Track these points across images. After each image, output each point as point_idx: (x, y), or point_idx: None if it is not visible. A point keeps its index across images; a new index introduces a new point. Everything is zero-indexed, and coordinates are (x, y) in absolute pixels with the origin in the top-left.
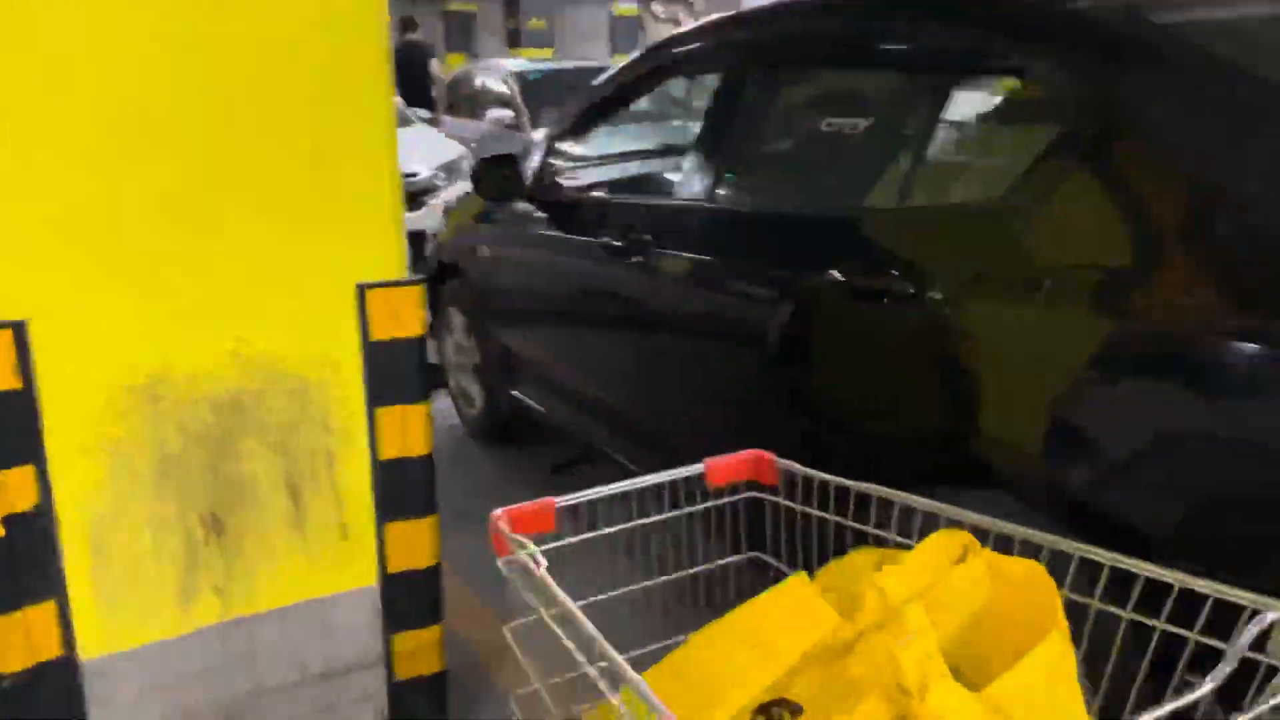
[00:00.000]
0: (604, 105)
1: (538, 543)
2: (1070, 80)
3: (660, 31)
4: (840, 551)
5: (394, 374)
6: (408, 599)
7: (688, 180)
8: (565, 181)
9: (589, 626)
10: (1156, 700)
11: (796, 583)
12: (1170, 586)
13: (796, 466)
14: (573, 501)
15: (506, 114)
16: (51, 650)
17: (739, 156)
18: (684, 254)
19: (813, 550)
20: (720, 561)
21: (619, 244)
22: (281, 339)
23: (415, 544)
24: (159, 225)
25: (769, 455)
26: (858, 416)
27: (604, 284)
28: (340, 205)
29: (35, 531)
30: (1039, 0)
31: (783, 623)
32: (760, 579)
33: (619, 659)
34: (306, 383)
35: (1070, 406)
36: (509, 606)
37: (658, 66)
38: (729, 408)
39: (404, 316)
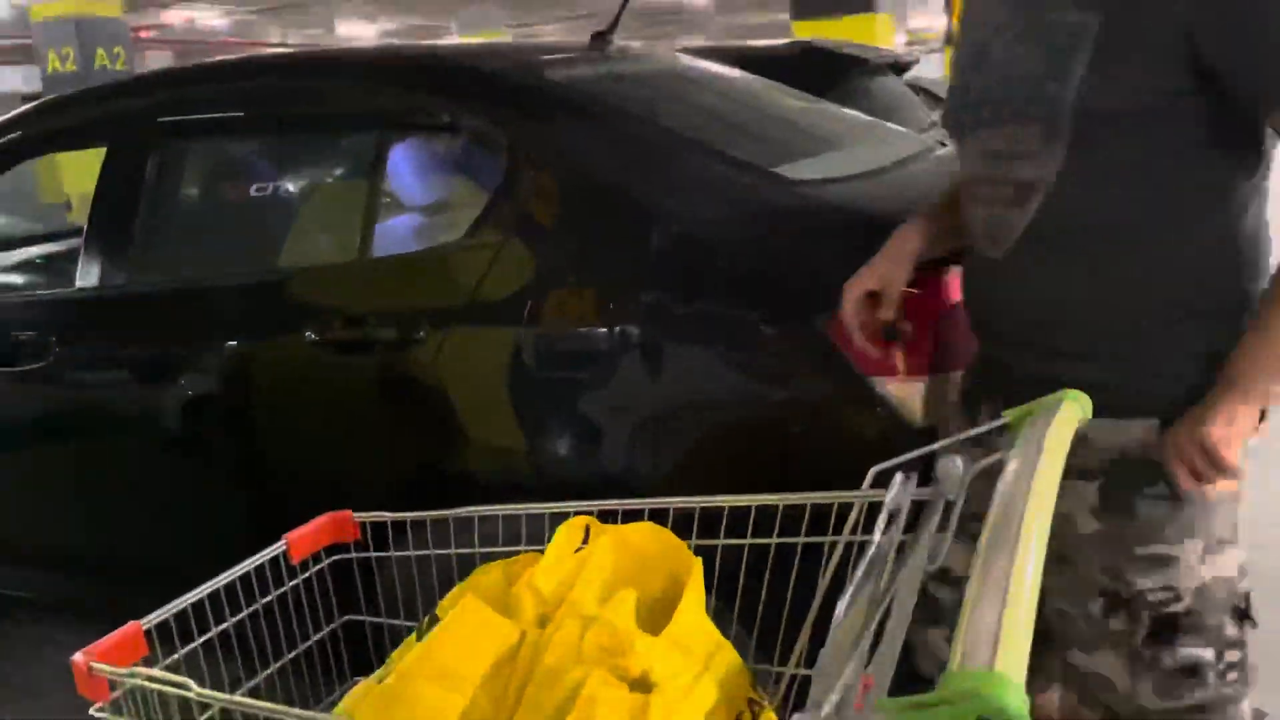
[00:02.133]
0: None
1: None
2: (488, 130)
3: None
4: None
5: None
6: None
7: (92, 267)
8: None
9: (259, 705)
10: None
11: (468, 605)
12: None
13: (381, 515)
14: (161, 618)
15: None
16: None
17: (159, 232)
18: (104, 348)
19: (415, 592)
20: (316, 636)
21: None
22: None
23: None
24: None
25: (345, 513)
26: (336, 460)
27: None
28: None
29: None
30: (460, 64)
31: (466, 645)
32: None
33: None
34: None
35: (527, 405)
36: None
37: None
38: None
39: None
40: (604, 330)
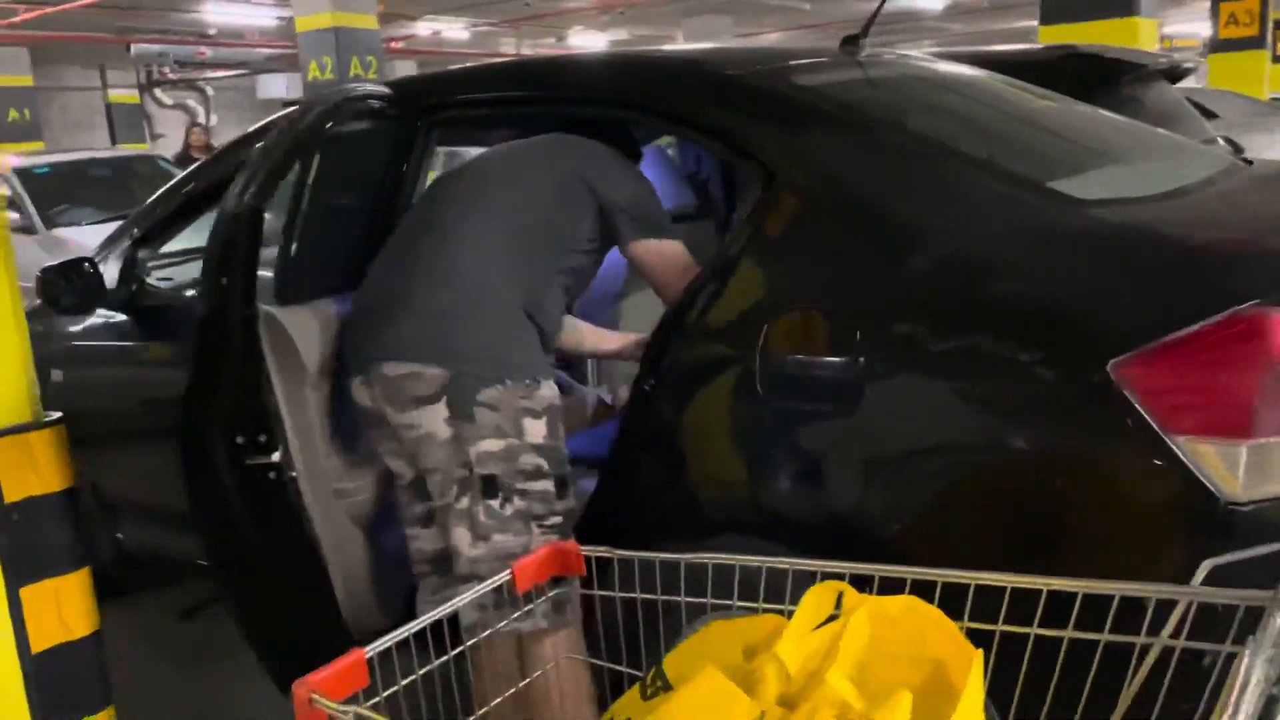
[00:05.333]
0: (206, 194)
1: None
2: (732, 138)
3: (166, 118)
4: (669, 633)
5: (39, 541)
6: None
7: None
8: (161, 283)
9: None
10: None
11: (708, 679)
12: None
13: (606, 550)
14: (384, 646)
15: (11, 216)
16: None
17: None
18: None
19: (639, 636)
20: (535, 674)
21: None
22: None
23: None
24: None
25: (571, 545)
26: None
27: None
28: None
29: None
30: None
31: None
32: None
33: None
34: None
35: (756, 436)
36: None
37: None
38: None
39: (44, 468)
40: (848, 359)
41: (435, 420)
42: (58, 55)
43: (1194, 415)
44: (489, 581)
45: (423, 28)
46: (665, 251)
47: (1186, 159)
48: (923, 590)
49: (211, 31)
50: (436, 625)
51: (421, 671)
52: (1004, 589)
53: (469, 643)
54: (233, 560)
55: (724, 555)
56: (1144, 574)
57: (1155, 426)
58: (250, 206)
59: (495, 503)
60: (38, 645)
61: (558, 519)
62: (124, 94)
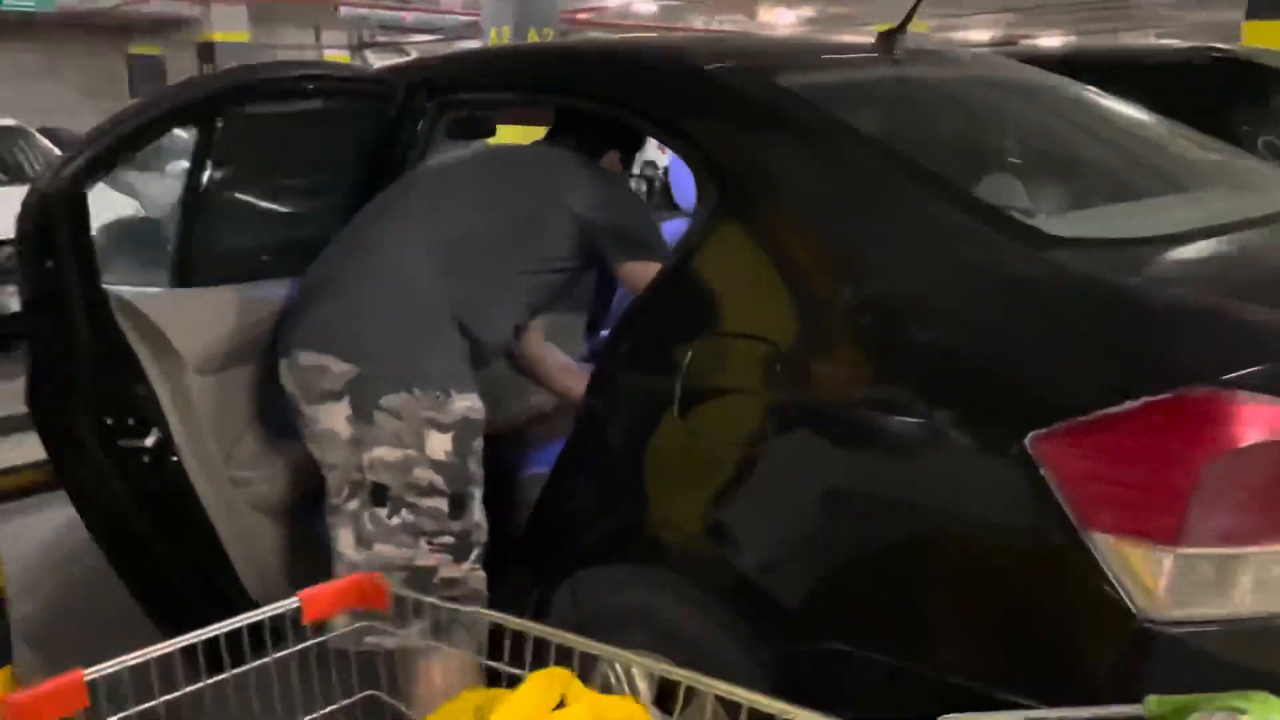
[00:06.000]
0: None
1: None
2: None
3: None
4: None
5: None
6: None
7: None
8: None
9: None
10: None
11: None
12: None
13: (416, 594)
14: (109, 670)
15: None
16: None
17: None
18: None
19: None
20: (328, 709)
21: None
22: None
23: None
24: None
25: (375, 578)
26: None
27: None
28: None
29: None
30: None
31: None
32: None
33: None
34: None
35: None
36: None
37: None
38: None
39: None
40: (761, 395)
41: (337, 418)
42: (275, 15)
43: (1117, 510)
44: (274, 606)
45: (612, 0)
46: (652, 272)
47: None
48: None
49: None
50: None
51: (166, 698)
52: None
53: (225, 675)
54: (117, 538)
55: (527, 624)
56: (1026, 687)
57: (1071, 515)
58: (70, 186)
59: (383, 512)
60: None
61: (448, 539)
62: (337, 54)
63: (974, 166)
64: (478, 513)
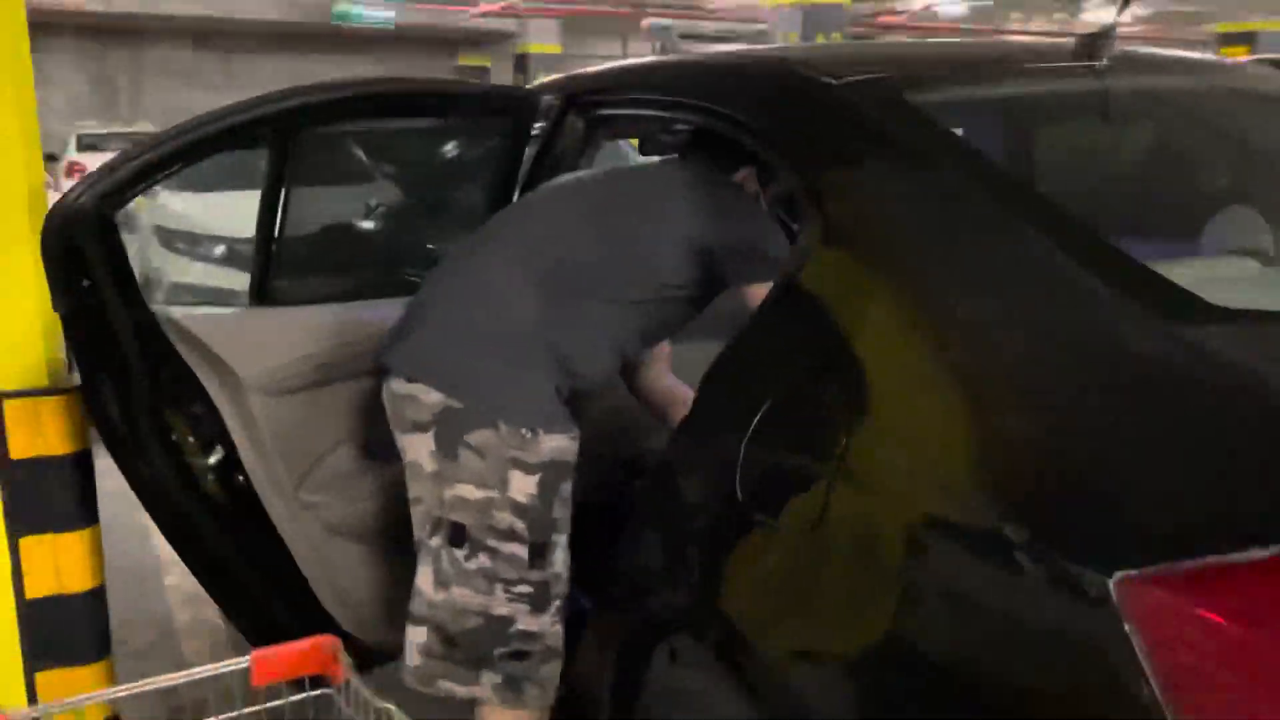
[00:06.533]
0: None
1: None
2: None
3: None
4: None
5: (42, 498)
6: None
7: None
8: None
9: None
10: None
11: None
12: None
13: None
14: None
15: None
16: None
17: None
18: None
19: None
20: None
21: None
22: None
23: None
24: None
25: (329, 641)
26: None
27: None
28: None
29: None
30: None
31: None
32: None
33: None
34: None
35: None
36: None
37: None
38: None
39: (51, 431)
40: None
41: (423, 450)
42: (585, 27)
43: (1223, 703)
44: (225, 664)
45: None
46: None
47: None
48: None
49: (711, 4)
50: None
51: None
52: None
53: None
54: (194, 554)
55: None
56: None
57: (1157, 694)
58: (92, 208)
59: (460, 553)
60: (32, 593)
61: (526, 588)
62: None
63: (1141, 206)
64: (560, 562)
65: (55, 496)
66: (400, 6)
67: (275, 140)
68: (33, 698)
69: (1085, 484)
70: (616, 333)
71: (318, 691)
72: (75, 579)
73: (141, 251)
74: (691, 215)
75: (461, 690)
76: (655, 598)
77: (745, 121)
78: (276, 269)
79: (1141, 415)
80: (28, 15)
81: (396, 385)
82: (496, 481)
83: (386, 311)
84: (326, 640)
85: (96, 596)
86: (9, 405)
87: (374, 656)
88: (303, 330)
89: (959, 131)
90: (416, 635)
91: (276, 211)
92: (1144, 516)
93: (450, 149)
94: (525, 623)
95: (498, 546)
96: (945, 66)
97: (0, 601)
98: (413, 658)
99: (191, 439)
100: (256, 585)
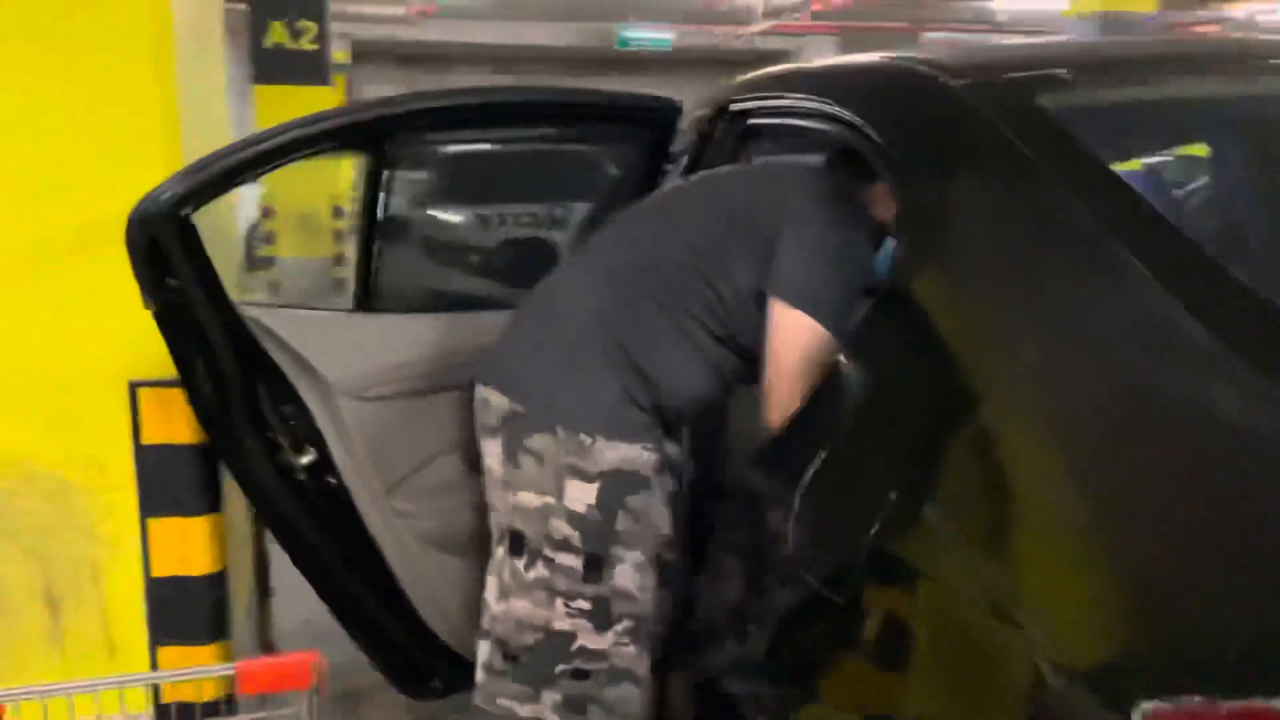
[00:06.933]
0: None
1: None
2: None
3: None
4: None
5: (170, 483)
6: None
7: None
8: None
9: None
10: None
11: None
12: None
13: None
14: None
15: None
16: None
17: None
18: None
19: None
20: None
21: None
22: (35, 436)
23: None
24: None
25: (309, 661)
26: None
27: None
28: (111, 293)
29: None
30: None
31: None
32: None
33: None
34: (67, 485)
35: None
36: None
37: None
38: None
39: (179, 420)
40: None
41: (494, 456)
42: (863, 43)
43: None
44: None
45: (1240, 10)
46: (795, 328)
47: None
48: None
49: (1000, 18)
50: None
51: None
52: None
53: None
54: (292, 550)
55: None
56: None
57: None
58: (169, 210)
59: (520, 563)
60: (157, 571)
61: (584, 603)
62: None
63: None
64: (626, 579)
65: (182, 482)
66: (679, 28)
67: (372, 147)
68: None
69: (1120, 574)
70: (698, 339)
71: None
72: (197, 563)
73: None
74: (788, 223)
75: (522, 710)
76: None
77: (856, 123)
78: (379, 277)
79: (1187, 480)
80: (353, 46)
81: (478, 390)
82: (553, 488)
83: (496, 323)
84: (305, 659)
85: (216, 581)
86: (142, 393)
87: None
88: (398, 338)
89: (1099, 140)
90: (481, 651)
91: (375, 218)
92: (1174, 632)
93: (580, 160)
94: (587, 640)
95: (554, 556)
96: (1118, 65)
97: (129, 577)
98: (478, 674)
99: (286, 437)
100: (356, 590)
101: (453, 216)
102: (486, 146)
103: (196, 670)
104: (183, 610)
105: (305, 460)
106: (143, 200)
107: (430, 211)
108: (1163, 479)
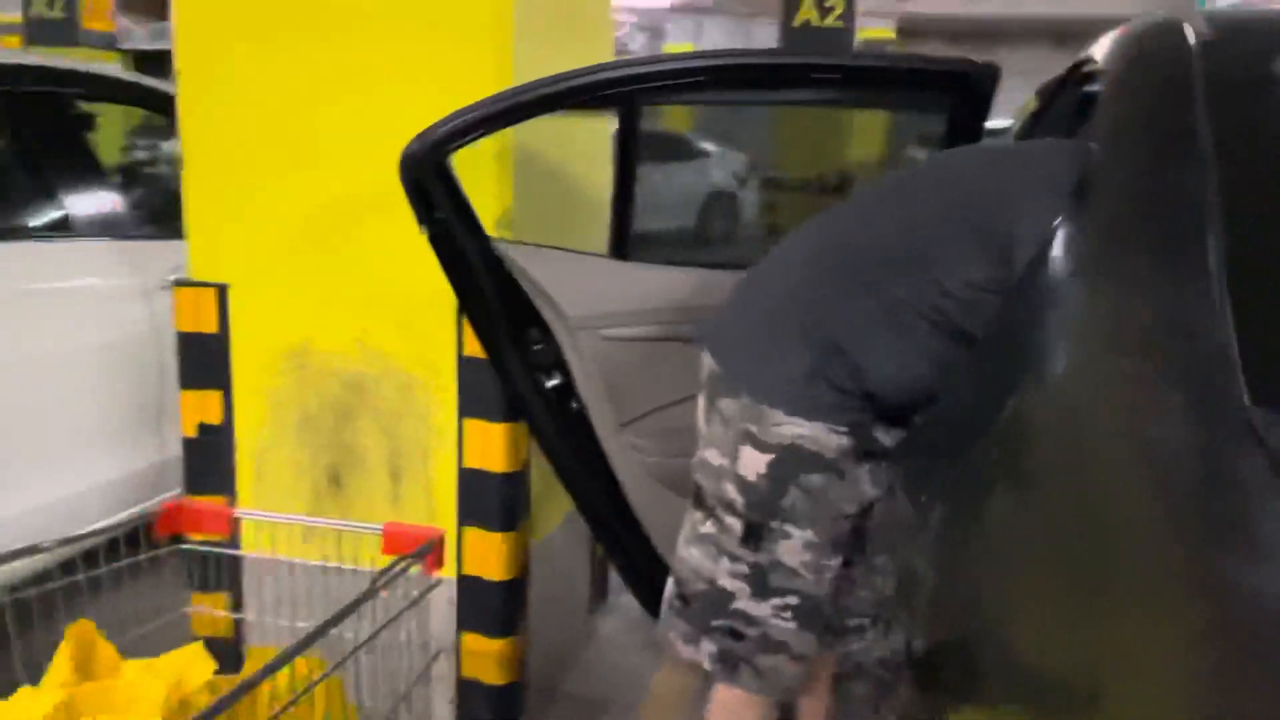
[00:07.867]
0: None
1: None
2: None
3: None
4: None
5: (480, 390)
6: (476, 604)
7: None
8: None
9: None
10: None
11: None
12: None
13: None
14: None
15: None
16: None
17: None
18: None
19: None
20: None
21: None
22: (393, 338)
23: (488, 554)
24: (314, 230)
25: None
26: None
27: None
28: None
29: (220, 441)
30: None
31: None
32: None
33: None
34: (412, 380)
35: None
36: None
37: None
38: None
39: None
40: None
41: (700, 410)
42: None
43: None
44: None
45: None
46: None
47: None
48: None
49: None
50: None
51: None
52: None
53: None
54: (550, 457)
55: None
56: None
57: None
58: (429, 153)
59: (699, 515)
60: (467, 463)
61: (744, 567)
62: None
63: None
64: (790, 555)
65: (490, 391)
66: None
67: (622, 104)
68: (459, 544)
69: None
70: (912, 326)
71: None
72: (496, 460)
73: None
74: (1008, 207)
75: (685, 650)
76: None
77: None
78: (632, 228)
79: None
80: (898, 23)
81: (695, 347)
82: (730, 451)
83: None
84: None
85: (510, 480)
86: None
87: None
88: (641, 285)
89: None
90: (668, 585)
91: (632, 172)
92: None
93: (871, 128)
94: (745, 604)
95: (722, 516)
96: None
97: (447, 467)
98: (663, 606)
99: (540, 359)
100: (603, 507)
101: (723, 177)
102: (770, 111)
103: None
104: (483, 500)
105: (552, 384)
106: (410, 143)
107: (698, 174)
108: None
